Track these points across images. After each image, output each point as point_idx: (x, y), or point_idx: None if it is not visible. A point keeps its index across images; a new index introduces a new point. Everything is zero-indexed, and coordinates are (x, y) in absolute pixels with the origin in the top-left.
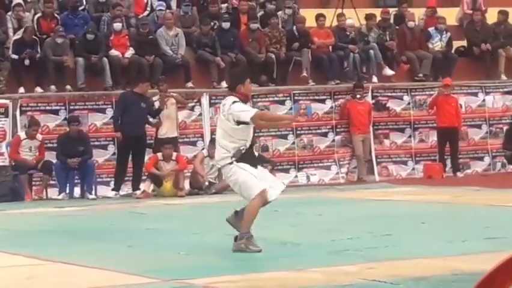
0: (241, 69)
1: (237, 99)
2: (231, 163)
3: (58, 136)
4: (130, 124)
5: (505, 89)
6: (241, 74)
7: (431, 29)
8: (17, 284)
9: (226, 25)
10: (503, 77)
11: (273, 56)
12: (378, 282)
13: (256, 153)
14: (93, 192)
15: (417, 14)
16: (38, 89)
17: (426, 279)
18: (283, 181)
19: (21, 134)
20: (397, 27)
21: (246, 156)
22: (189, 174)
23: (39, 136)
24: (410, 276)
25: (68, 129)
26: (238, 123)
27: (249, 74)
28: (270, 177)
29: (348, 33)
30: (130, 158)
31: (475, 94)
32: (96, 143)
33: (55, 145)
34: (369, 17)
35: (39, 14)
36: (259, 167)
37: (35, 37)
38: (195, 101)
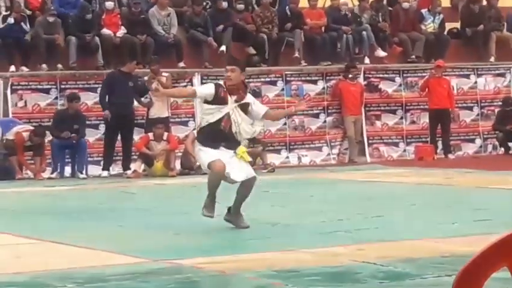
0: (246, 60)
1: (219, 82)
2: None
3: (56, 111)
4: (118, 103)
5: (497, 71)
6: (245, 62)
7: (424, 11)
8: (5, 263)
9: (225, 4)
10: (492, 59)
11: (265, 37)
12: (368, 264)
13: (223, 129)
14: (84, 171)
15: None
16: (24, 68)
17: (416, 261)
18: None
19: (25, 134)
20: (390, 8)
21: (205, 135)
22: (180, 154)
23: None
24: (399, 257)
25: (66, 106)
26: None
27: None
28: (234, 169)
29: (342, 12)
30: (120, 138)
31: (467, 76)
32: (87, 122)
33: (45, 123)
34: None
35: None
36: (221, 151)
37: (23, 14)
38: (186, 81)
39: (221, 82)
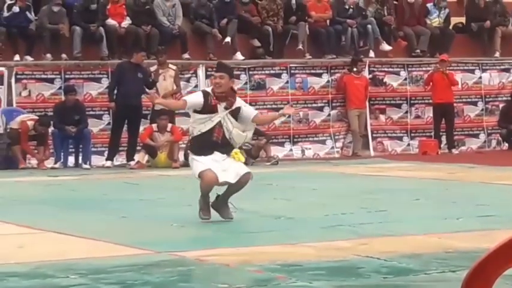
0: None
1: (206, 89)
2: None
3: (55, 105)
4: (126, 94)
5: (502, 67)
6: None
7: (429, 5)
8: (7, 253)
9: None
10: (497, 54)
11: (270, 29)
12: (371, 259)
13: (216, 139)
14: (88, 162)
15: None
16: (29, 58)
17: (420, 256)
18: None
19: (30, 123)
20: (395, 2)
21: (198, 143)
22: (184, 145)
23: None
24: (403, 253)
25: (64, 99)
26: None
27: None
28: (224, 174)
29: (346, 7)
30: (125, 128)
31: (472, 71)
32: (91, 113)
33: (50, 113)
34: None
35: None
36: (214, 156)
37: (28, 3)
38: (191, 72)
39: (209, 90)
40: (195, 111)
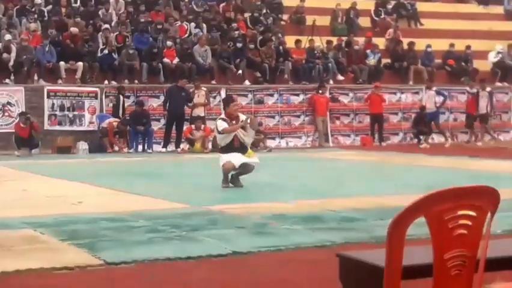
0: (226, 98)
1: (222, 117)
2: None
3: (130, 112)
4: (174, 106)
5: (413, 91)
6: (226, 101)
7: (368, 51)
8: (100, 205)
9: (239, 45)
10: (411, 83)
11: (267, 66)
12: (330, 211)
13: (236, 145)
14: (150, 148)
15: (360, 41)
16: (113, 82)
17: (362, 210)
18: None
19: (115, 123)
20: (347, 49)
21: (226, 149)
22: (211, 138)
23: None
24: (351, 207)
25: (135, 108)
26: (219, 132)
27: (231, 101)
28: (241, 159)
29: (315, 52)
30: (174, 128)
31: (395, 93)
32: (153, 118)
33: (127, 117)
34: (329, 42)
35: (117, 33)
36: (235, 154)
37: (113, 48)
38: (216, 92)
39: (223, 117)
40: (219, 133)
